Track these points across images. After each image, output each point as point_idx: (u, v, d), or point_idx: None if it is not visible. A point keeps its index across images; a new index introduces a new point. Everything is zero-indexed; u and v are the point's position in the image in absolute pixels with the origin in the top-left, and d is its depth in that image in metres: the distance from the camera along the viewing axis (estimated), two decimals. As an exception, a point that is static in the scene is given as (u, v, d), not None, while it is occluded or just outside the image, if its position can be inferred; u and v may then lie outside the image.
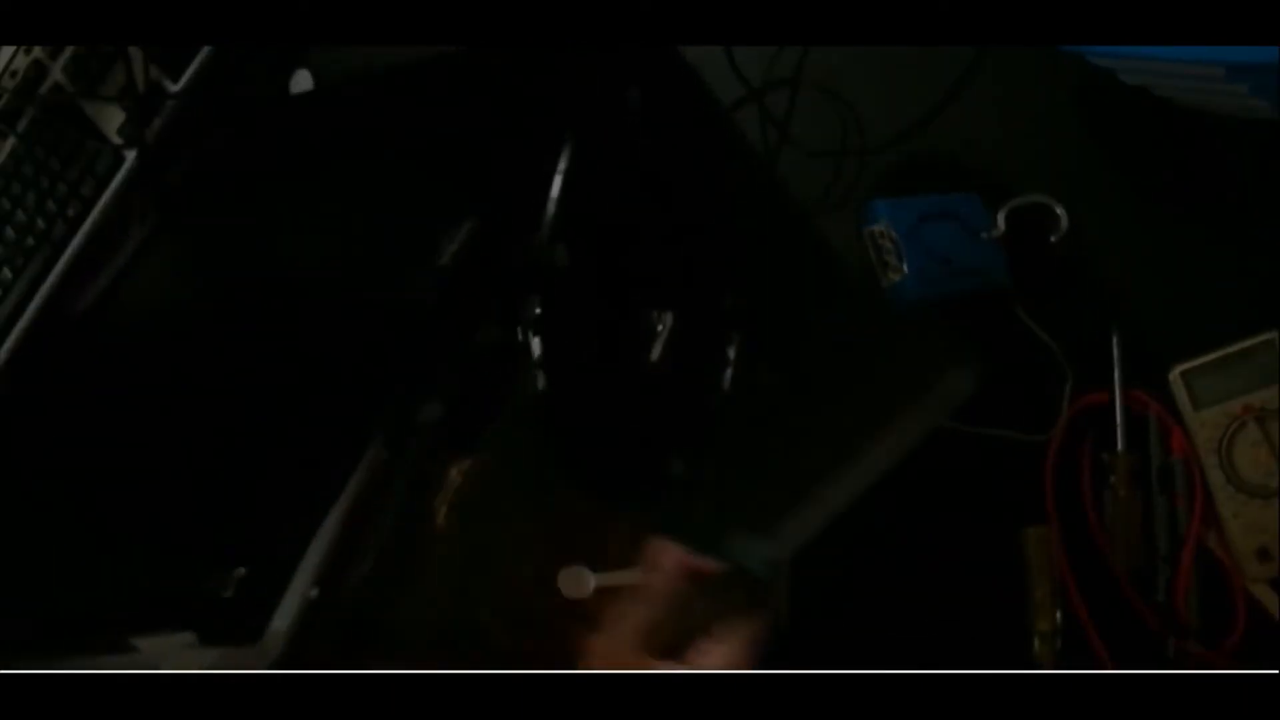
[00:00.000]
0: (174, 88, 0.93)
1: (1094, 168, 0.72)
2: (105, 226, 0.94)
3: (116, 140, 0.93)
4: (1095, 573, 0.67)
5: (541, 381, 0.58)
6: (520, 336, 0.59)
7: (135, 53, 0.91)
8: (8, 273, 0.94)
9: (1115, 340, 0.68)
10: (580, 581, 0.60)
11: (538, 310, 0.59)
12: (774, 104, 0.77)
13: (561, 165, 0.61)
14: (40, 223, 0.93)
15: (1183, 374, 0.67)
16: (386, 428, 0.61)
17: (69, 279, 0.95)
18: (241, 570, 0.60)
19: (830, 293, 0.70)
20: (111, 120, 0.93)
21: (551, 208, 0.60)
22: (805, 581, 0.66)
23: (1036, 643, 0.67)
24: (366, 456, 0.60)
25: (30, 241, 0.93)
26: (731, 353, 0.64)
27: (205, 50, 0.93)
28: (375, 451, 0.61)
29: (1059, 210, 0.70)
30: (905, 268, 0.69)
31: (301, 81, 0.94)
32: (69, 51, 0.92)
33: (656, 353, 0.61)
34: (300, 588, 0.57)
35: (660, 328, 0.61)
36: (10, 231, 0.94)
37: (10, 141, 0.94)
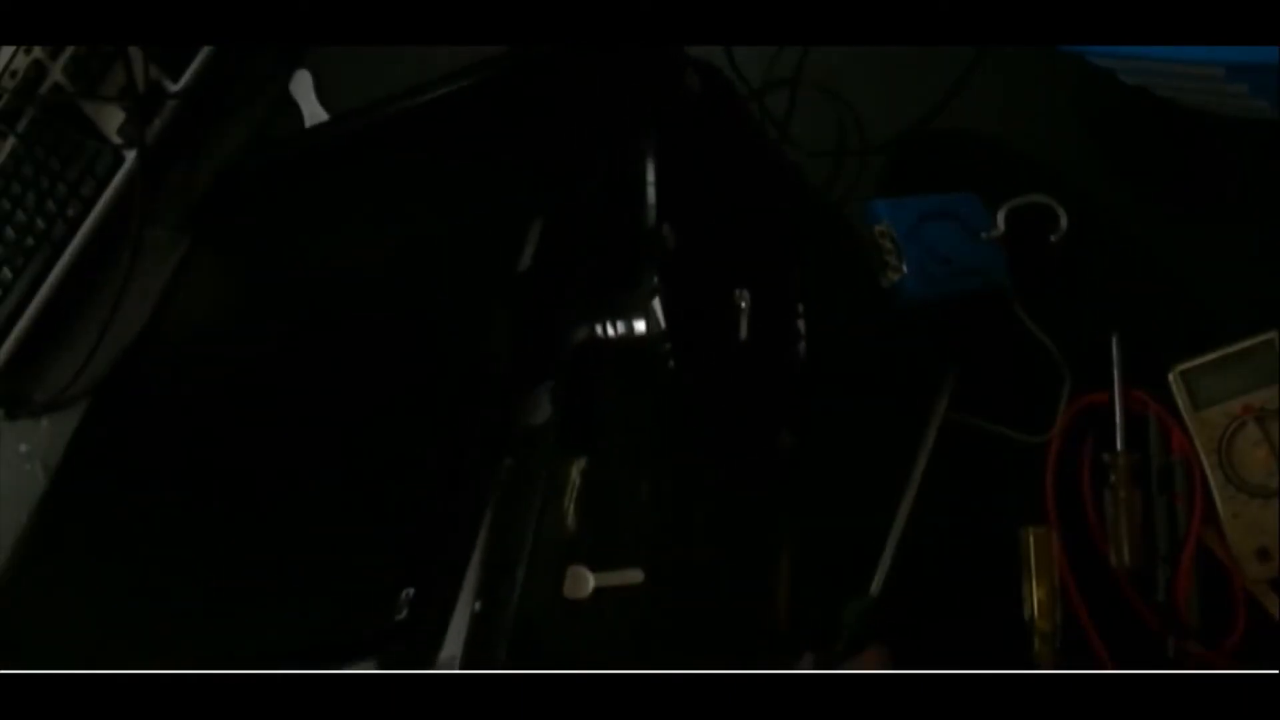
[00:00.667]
0: (174, 88, 0.93)
1: (1094, 168, 0.72)
2: (105, 226, 0.94)
3: (116, 140, 0.93)
4: (1095, 573, 0.67)
5: (672, 362, 0.58)
6: (625, 329, 0.59)
7: (135, 53, 0.91)
8: (8, 273, 0.94)
9: (1115, 340, 0.68)
10: (579, 581, 0.60)
11: (657, 286, 0.58)
12: (774, 104, 0.77)
13: (652, 147, 0.61)
14: (40, 223, 0.93)
15: (1182, 374, 0.67)
16: (504, 435, 0.60)
17: (70, 279, 0.95)
18: (410, 591, 0.59)
19: (831, 290, 0.70)
20: (111, 120, 0.93)
21: (651, 189, 0.60)
22: (804, 581, 0.66)
23: (1036, 643, 0.67)
24: (500, 467, 0.60)
25: (30, 241, 0.94)
26: (802, 326, 0.64)
27: (205, 50, 0.93)
28: (505, 461, 0.60)
29: (1059, 210, 0.70)
30: (905, 268, 0.69)
31: (301, 81, 0.94)
32: (69, 51, 0.92)
33: (744, 330, 0.61)
34: (465, 603, 0.57)
35: (743, 304, 0.61)
36: (10, 231, 0.94)
37: (10, 141, 0.94)
